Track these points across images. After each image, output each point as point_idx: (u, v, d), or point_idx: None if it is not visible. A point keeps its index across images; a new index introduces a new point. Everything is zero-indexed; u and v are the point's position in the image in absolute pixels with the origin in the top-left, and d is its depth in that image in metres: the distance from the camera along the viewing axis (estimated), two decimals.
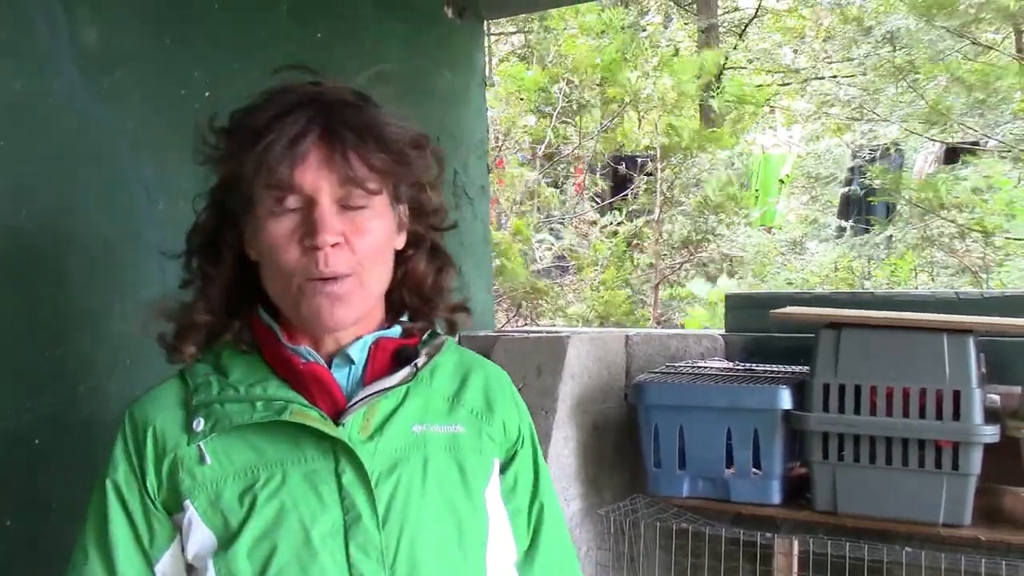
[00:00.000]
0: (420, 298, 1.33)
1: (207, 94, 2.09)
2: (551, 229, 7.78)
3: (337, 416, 1.20)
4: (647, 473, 2.36)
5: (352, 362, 1.24)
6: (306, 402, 1.19)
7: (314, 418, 1.17)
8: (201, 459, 1.18)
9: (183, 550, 1.19)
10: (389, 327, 1.29)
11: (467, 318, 1.39)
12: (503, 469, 1.33)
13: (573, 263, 7.67)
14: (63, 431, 1.77)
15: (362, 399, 1.21)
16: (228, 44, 2.18)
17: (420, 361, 1.27)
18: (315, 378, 1.21)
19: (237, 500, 1.16)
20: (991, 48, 7.44)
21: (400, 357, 1.27)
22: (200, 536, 1.16)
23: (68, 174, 1.83)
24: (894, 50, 7.57)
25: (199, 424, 1.19)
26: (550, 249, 7.47)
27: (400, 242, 1.29)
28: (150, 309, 1.27)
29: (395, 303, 1.33)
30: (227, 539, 1.15)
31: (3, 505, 1.69)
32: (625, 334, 2.77)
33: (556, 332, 2.81)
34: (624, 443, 2.62)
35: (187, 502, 1.17)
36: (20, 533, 1.71)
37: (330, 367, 1.24)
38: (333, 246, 1.16)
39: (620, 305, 6.81)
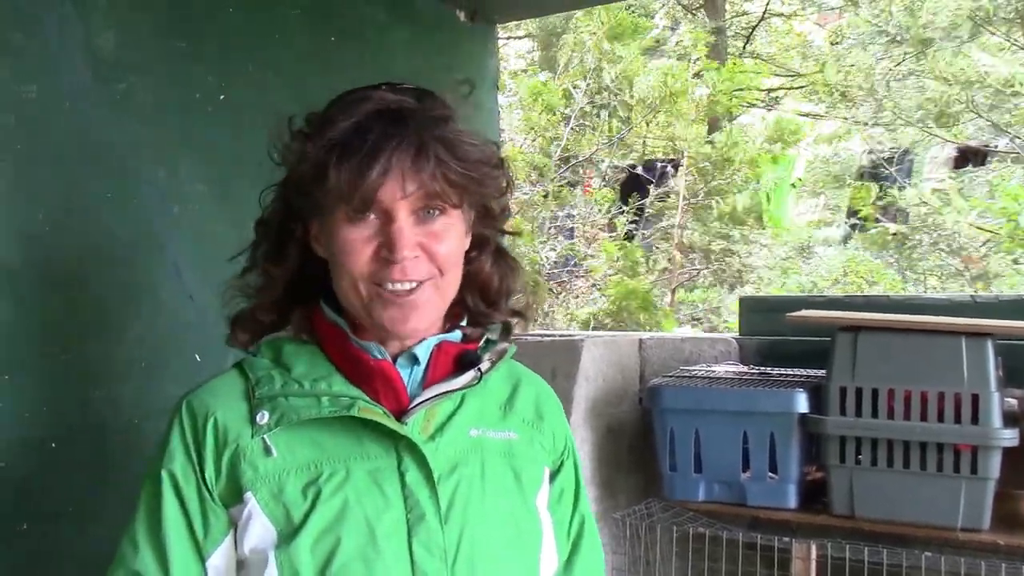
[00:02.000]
0: (485, 301, 1.33)
1: (221, 97, 2.09)
2: (561, 231, 7.77)
3: (399, 415, 1.20)
4: (662, 477, 2.35)
5: (417, 362, 1.24)
6: (369, 399, 1.20)
7: (380, 415, 1.18)
8: (267, 452, 1.17)
9: (236, 544, 1.18)
10: (449, 331, 1.29)
11: (525, 324, 1.39)
12: (551, 479, 1.34)
13: (584, 266, 7.66)
14: (78, 434, 1.77)
15: (428, 399, 1.21)
16: (241, 47, 2.17)
17: (484, 366, 1.27)
18: (383, 376, 1.21)
19: (300, 493, 1.15)
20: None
21: (462, 361, 1.27)
22: (259, 529, 1.15)
23: (82, 178, 1.83)
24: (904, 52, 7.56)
25: (264, 417, 1.18)
26: (554, 250, 7.45)
27: (467, 244, 1.28)
28: (231, 285, 1.29)
29: (456, 305, 1.31)
30: (289, 532, 1.14)
31: (19, 509, 1.68)
32: (639, 337, 2.76)
33: (570, 336, 2.80)
34: (639, 447, 2.61)
35: (248, 494, 1.16)
36: (35, 536, 1.70)
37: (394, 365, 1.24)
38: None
39: (635, 310, 6.80)
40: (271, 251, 1.27)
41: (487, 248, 1.33)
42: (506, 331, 1.35)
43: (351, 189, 1.13)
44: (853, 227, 8.57)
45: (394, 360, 1.24)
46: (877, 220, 7.81)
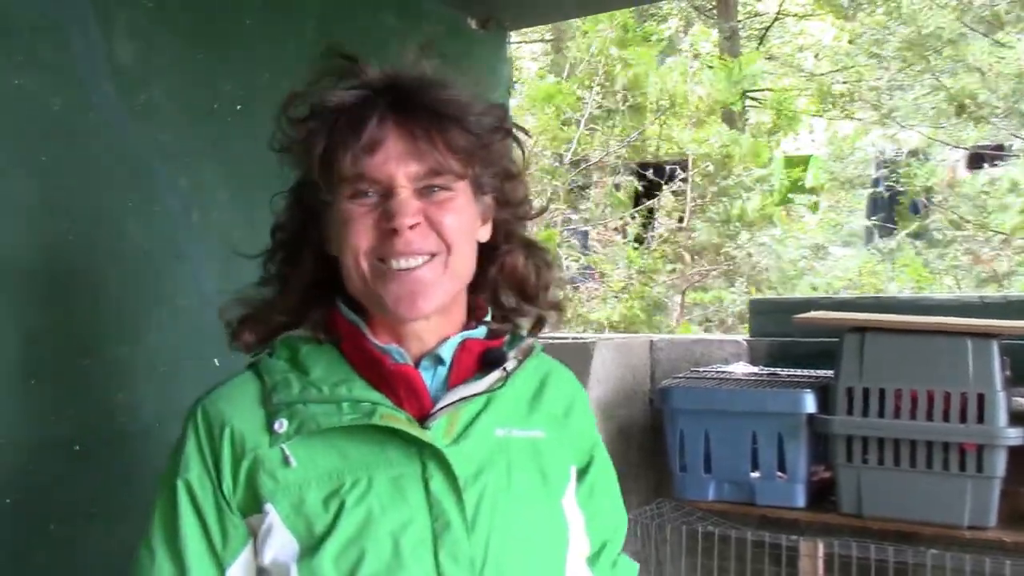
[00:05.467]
0: (523, 296, 1.28)
1: (238, 107, 2.13)
2: (575, 233, 7.79)
3: (422, 419, 1.15)
4: (673, 477, 2.38)
5: (442, 363, 1.19)
6: (392, 404, 1.14)
7: (403, 421, 1.12)
8: (285, 462, 1.12)
9: (256, 554, 1.14)
10: (473, 328, 1.23)
11: (560, 317, 1.33)
12: (580, 476, 1.30)
13: (598, 270, 7.66)
14: (101, 437, 1.81)
15: (451, 404, 1.15)
16: (259, 57, 2.21)
17: (510, 365, 1.21)
18: (405, 380, 1.16)
19: (322, 505, 1.11)
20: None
21: (486, 359, 1.21)
22: (281, 540, 1.11)
23: (105, 187, 1.87)
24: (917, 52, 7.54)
25: (282, 426, 1.13)
26: (576, 260, 7.47)
27: (485, 234, 1.23)
28: (232, 299, 1.24)
29: (488, 302, 1.27)
30: (312, 545, 1.09)
31: (46, 510, 1.73)
32: (649, 339, 2.79)
33: (581, 338, 2.84)
34: (649, 447, 2.64)
35: (268, 505, 1.12)
36: (62, 536, 1.75)
37: (417, 367, 1.18)
38: (412, 227, 1.11)
39: (645, 311, 6.81)
40: (288, 254, 1.23)
41: (515, 239, 1.27)
42: (538, 325, 1.29)
43: (343, 162, 1.10)
44: (875, 227, 8.55)
45: (417, 362, 1.18)
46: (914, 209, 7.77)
